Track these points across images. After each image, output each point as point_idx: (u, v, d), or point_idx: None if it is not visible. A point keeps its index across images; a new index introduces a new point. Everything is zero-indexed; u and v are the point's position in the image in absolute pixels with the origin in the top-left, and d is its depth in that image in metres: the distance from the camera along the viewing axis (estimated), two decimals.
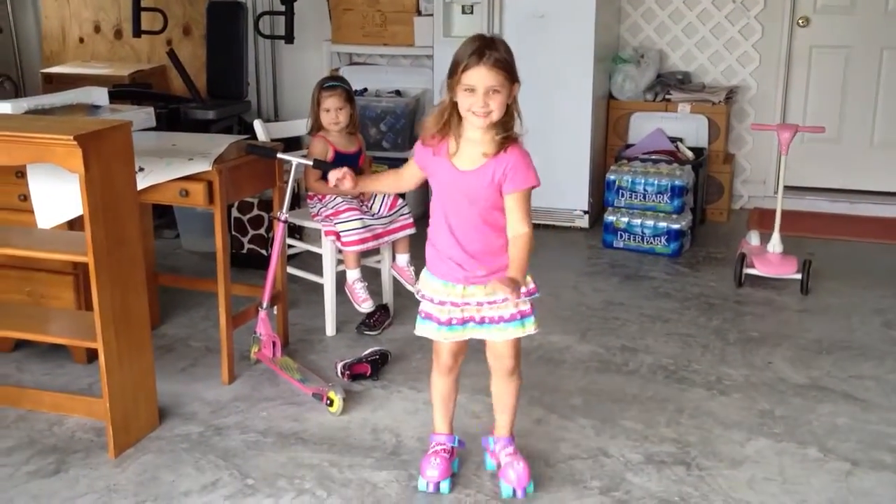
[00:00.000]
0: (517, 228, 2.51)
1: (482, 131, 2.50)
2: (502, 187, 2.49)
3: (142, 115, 4.01)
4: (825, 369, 3.68)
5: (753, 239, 4.79)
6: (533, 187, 2.52)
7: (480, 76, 2.41)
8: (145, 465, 2.99)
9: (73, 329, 3.24)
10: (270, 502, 2.78)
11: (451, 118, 2.52)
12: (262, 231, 4.88)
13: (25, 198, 3.52)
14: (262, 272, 3.84)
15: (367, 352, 3.68)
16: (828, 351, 3.85)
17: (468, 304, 2.62)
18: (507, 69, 2.43)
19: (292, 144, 4.39)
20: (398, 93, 6.10)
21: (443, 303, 2.63)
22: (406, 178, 2.79)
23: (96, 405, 3.14)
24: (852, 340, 3.96)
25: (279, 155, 3.67)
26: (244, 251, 4.90)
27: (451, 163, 2.54)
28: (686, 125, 5.70)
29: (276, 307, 3.85)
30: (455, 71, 2.45)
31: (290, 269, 4.14)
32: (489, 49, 2.41)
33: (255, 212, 4.87)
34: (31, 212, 3.48)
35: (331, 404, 3.30)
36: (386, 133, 5.91)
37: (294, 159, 3.66)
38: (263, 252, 4.82)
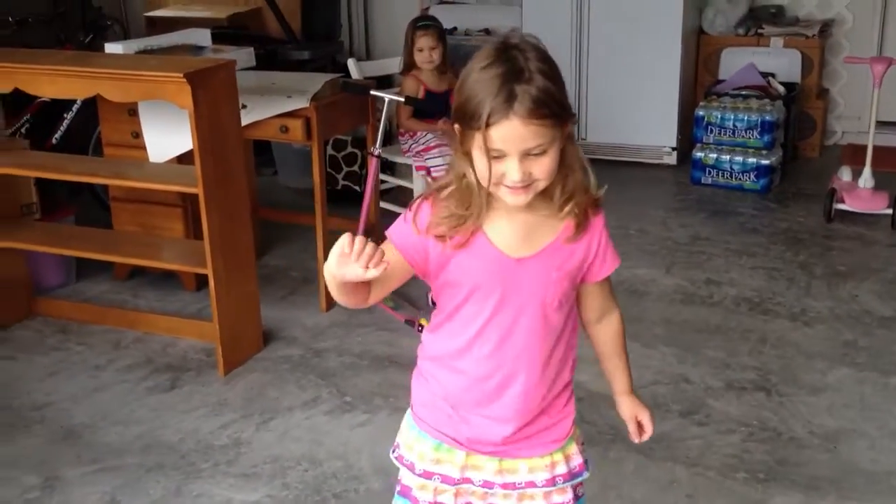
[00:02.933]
0: (609, 310, 1.69)
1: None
2: (588, 273, 1.60)
3: (243, 56, 4.18)
4: None
5: (845, 174, 4.76)
6: None
7: (512, 135, 1.39)
8: (252, 382, 3.22)
9: (185, 256, 3.48)
10: (366, 418, 2.98)
11: (482, 196, 1.48)
12: (355, 168, 5.05)
13: (137, 135, 3.75)
14: (356, 208, 4.01)
15: None
16: None
17: (469, 481, 1.62)
18: (554, 111, 1.41)
19: (384, 83, 4.53)
20: (487, 31, 6.16)
21: (429, 475, 1.63)
22: (383, 280, 1.51)
23: (206, 328, 3.38)
24: None
25: (372, 92, 3.82)
26: (339, 188, 5.08)
27: (493, 245, 1.51)
28: (779, 60, 5.63)
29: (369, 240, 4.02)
30: (468, 120, 1.42)
31: (383, 204, 4.30)
32: (520, 82, 1.39)
33: (349, 149, 5.04)
34: (143, 148, 3.71)
35: (422, 330, 3.46)
36: None
37: (386, 96, 3.80)
38: (357, 188, 5.00)
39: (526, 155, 1.41)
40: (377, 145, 3.84)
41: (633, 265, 4.04)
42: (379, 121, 3.86)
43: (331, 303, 3.79)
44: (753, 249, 4.31)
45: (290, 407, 3.05)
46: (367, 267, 1.37)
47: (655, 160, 5.64)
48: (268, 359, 3.38)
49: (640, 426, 1.72)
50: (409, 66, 4.23)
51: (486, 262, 1.51)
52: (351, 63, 4.34)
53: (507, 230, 1.51)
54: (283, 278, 4.12)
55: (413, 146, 4.18)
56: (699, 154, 5.26)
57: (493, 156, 1.41)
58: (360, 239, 1.39)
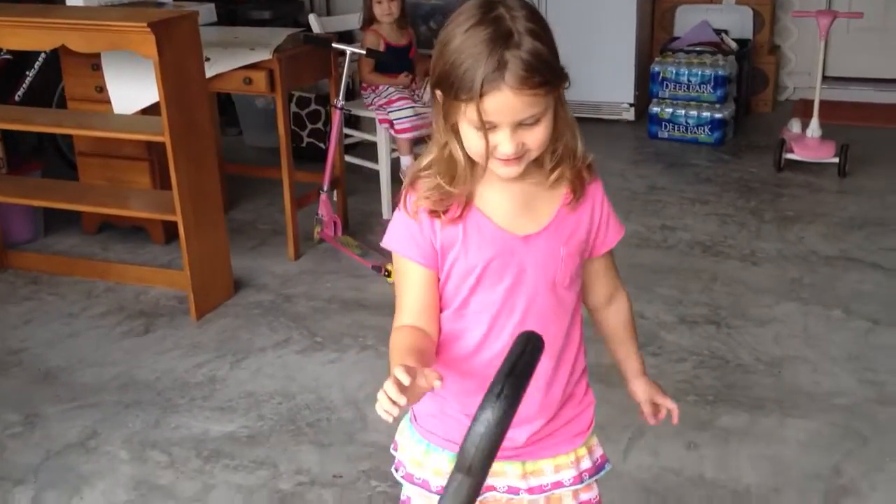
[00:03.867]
0: (616, 292, 1.56)
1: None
2: (594, 245, 1.47)
3: (204, 11, 4.23)
4: (856, 243, 3.86)
5: (794, 126, 4.92)
6: None
7: (504, 106, 1.26)
8: (224, 326, 3.32)
9: (154, 205, 3.56)
10: (336, 356, 3.09)
11: (466, 167, 1.35)
12: (319, 125, 5.13)
13: (101, 89, 3.80)
14: (321, 164, 4.09)
15: None
16: (860, 227, 4.03)
17: (492, 488, 1.48)
18: (547, 77, 1.27)
19: (345, 38, 4.60)
20: None
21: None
22: (419, 313, 1.39)
23: (177, 276, 3.47)
24: (885, 217, 4.13)
25: (334, 45, 3.90)
26: (303, 145, 5.16)
27: (491, 221, 1.38)
28: (731, 17, 5.78)
29: (335, 191, 4.11)
30: (452, 90, 1.28)
31: (348, 158, 4.39)
32: (509, 47, 1.25)
33: (313, 106, 5.11)
34: (108, 102, 3.76)
35: (388, 275, 3.58)
36: (435, 30, 6.06)
37: (348, 48, 3.89)
38: (321, 145, 5.07)
39: (518, 125, 1.28)
40: (340, 98, 3.93)
41: None
42: (341, 74, 3.95)
43: (299, 252, 3.88)
44: (707, 198, 4.47)
45: (262, 347, 3.16)
46: (431, 385, 1.22)
47: (614, 116, 5.77)
48: (239, 304, 3.47)
49: (655, 407, 1.60)
50: (369, 20, 4.31)
51: (489, 239, 1.37)
52: (312, 18, 4.40)
53: (502, 203, 1.38)
54: (251, 231, 4.20)
55: (375, 100, 4.27)
56: (655, 109, 5.40)
57: (480, 126, 1.27)
58: (401, 373, 1.19)
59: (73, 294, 3.58)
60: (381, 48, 4.24)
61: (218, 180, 3.47)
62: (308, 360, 3.06)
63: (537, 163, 1.36)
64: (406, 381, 1.17)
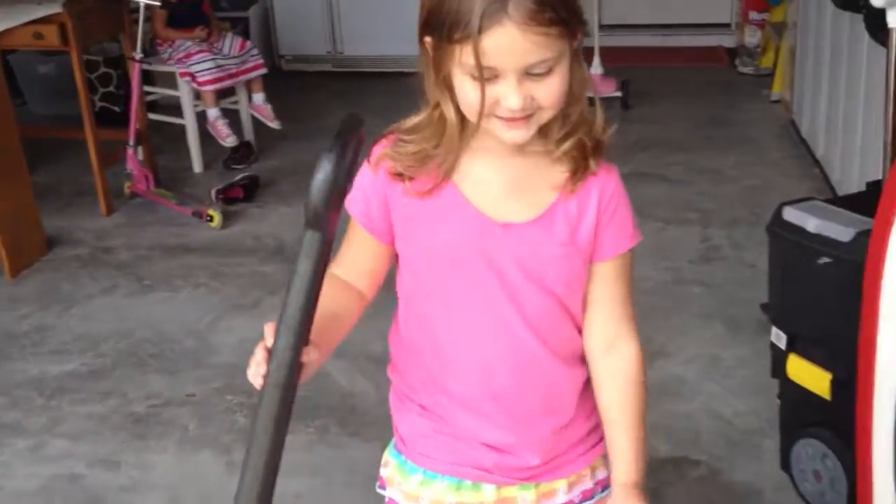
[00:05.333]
0: (620, 338, 1.22)
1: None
2: (597, 246, 1.18)
3: None
4: (644, 161, 4.22)
5: None
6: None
7: (508, 47, 1.03)
8: (43, 280, 3.23)
9: None
10: (169, 295, 3.09)
11: (452, 127, 1.12)
12: (111, 88, 4.99)
13: None
14: (116, 127, 4.02)
15: (238, 177, 3.97)
16: (645, 148, 4.40)
17: None
18: (562, 14, 1.04)
19: None
20: None
21: None
22: (349, 268, 1.21)
23: None
24: (667, 138, 4.52)
25: None
26: (96, 109, 4.99)
27: (468, 201, 1.14)
28: None
29: (140, 147, 4.03)
30: (444, 30, 1.05)
31: (151, 116, 4.32)
32: None
33: (103, 69, 4.97)
34: None
35: (211, 220, 3.59)
36: None
37: (141, 0, 3.84)
38: (116, 108, 4.94)
39: (526, 74, 1.04)
40: (138, 50, 3.88)
41: None
42: (136, 28, 3.90)
43: (112, 207, 3.81)
44: None
45: (88, 295, 3.11)
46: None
47: (411, 69, 5.83)
48: (56, 259, 3.39)
49: None
50: None
51: (460, 225, 1.13)
52: None
53: (489, 180, 1.14)
54: (55, 194, 4.05)
55: (174, 54, 4.23)
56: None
57: (478, 74, 1.03)
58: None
59: None
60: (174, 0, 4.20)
61: (17, 136, 3.36)
62: (140, 302, 3.05)
63: (542, 131, 1.11)
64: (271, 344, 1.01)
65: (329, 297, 1.07)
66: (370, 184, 1.15)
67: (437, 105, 1.11)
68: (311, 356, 1.02)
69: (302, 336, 0.99)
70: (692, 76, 5.74)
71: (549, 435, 1.21)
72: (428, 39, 1.08)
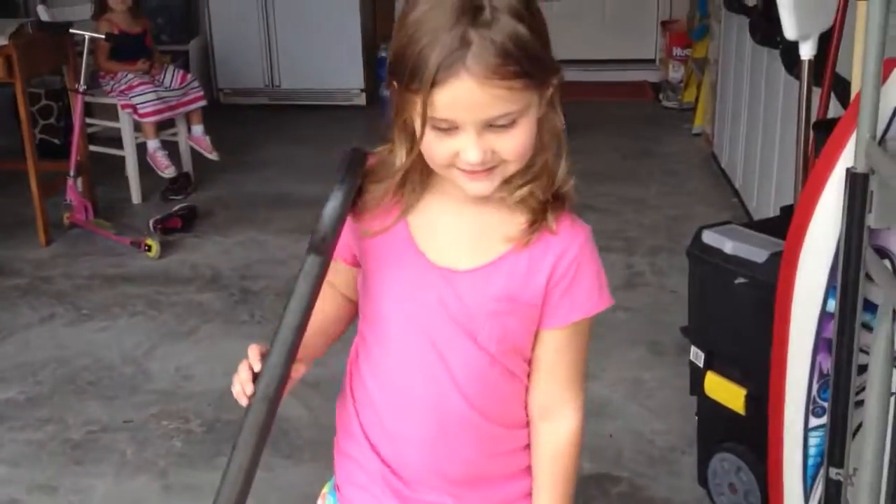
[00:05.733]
0: (559, 405, 1.16)
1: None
2: (545, 311, 1.11)
3: None
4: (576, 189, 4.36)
5: None
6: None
7: (466, 100, 0.99)
8: None
9: None
10: (107, 324, 3.13)
11: (413, 171, 1.09)
12: (52, 120, 5.01)
13: None
14: (56, 159, 4.05)
15: (176, 208, 4.02)
16: (580, 177, 4.54)
17: None
18: (527, 67, 1.00)
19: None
20: None
21: None
22: (332, 297, 1.21)
23: None
24: (595, 169, 4.66)
25: (72, 30, 3.90)
26: (36, 142, 5.00)
27: (414, 243, 1.11)
28: None
29: (80, 178, 4.07)
30: (405, 77, 1.01)
31: (91, 148, 4.35)
32: (477, 24, 0.98)
33: (44, 101, 4.98)
34: None
35: (149, 249, 3.63)
36: (164, 26, 6.06)
37: (86, 33, 3.90)
38: (55, 141, 4.96)
39: (488, 126, 1.00)
40: (82, 81, 3.93)
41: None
42: (80, 60, 3.95)
43: (50, 238, 3.83)
44: None
45: (26, 324, 3.13)
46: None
47: (346, 102, 6.05)
48: None
49: None
50: (102, 9, 4.32)
51: (401, 264, 1.10)
52: (41, 9, 4.33)
53: (442, 223, 1.10)
54: None
55: (115, 86, 4.28)
56: (386, 92, 5.71)
57: (442, 128, 1.00)
58: (255, 358, 1.07)
59: None
60: None
61: None
62: (78, 330, 3.08)
63: (504, 179, 1.06)
64: (257, 367, 1.05)
65: (318, 310, 1.08)
66: (350, 230, 1.13)
67: (392, 148, 1.09)
68: (298, 372, 1.07)
69: (294, 354, 1.05)
70: (619, 110, 5.95)
71: (481, 499, 1.17)
72: (394, 83, 1.05)
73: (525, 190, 1.07)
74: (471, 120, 0.99)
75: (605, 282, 1.13)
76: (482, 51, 0.96)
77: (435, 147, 1.02)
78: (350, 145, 1.11)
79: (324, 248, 1.04)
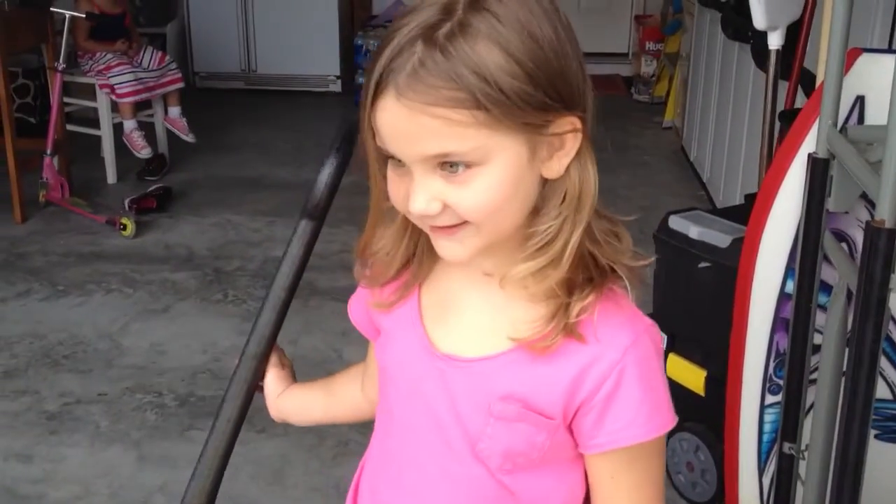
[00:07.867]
0: None
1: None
2: (576, 431, 0.86)
3: None
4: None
5: None
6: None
7: (393, 125, 0.77)
8: None
9: None
10: (83, 300, 3.16)
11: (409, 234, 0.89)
12: (28, 99, 4.99)
13: None
14: (32, 138, 4.05)
15: (151, 188, 4.04)
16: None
17: None
18: (497, 97, 0.75)
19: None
20: None
21: None
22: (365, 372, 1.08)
23: None
24: None
25: (53, 8, 3.91)
26: None
27: (420, 318, 0.91)
28: None
29: (56, 156, 4.08)
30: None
31: (69, 126, 4.36)
32: (429, 40, 0.75)
33: (21, 80, 4.96)
34: None
35: (124, 228, 3.66)
36: (142, 8, 6.04)
37: (66, 11, 3.91)
38: (32, 119, 4.94)
39: (436, 168, 0.77)
40: (61, 60, 3.94)
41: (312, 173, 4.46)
42: (60, 38, 3.96)
43: (26, 215, 3.84)
44: None
45: (2, 299, 3.16)
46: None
47: (322, 88, 6.08)
48: None
49: None
50: None
51: (407, 343, 0.91)
52: None
53: (451, 297, 0.89)
54: None
55: (94, 66, 4.29)
56: (361, 79, 5.75)
57: (396, 162, 0.79)
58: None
59: None
60: None
61: None
62: (53, 306, 3.11)
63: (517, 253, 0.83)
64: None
65: (335, 379, 1.09)
66: (362, 301, 0.99)
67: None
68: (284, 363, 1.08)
69: (283, 313, 1.07)
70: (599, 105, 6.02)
71: None
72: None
73: (522, 268, 0.81)
74: (407, 155, 0.77)
75: (665, 396, 0.84)
76: (420, 69, 0.74)
77: (392, 187, 0.81)
78: (345, 118, 1.13)
79: (317, 214, 1.06)
